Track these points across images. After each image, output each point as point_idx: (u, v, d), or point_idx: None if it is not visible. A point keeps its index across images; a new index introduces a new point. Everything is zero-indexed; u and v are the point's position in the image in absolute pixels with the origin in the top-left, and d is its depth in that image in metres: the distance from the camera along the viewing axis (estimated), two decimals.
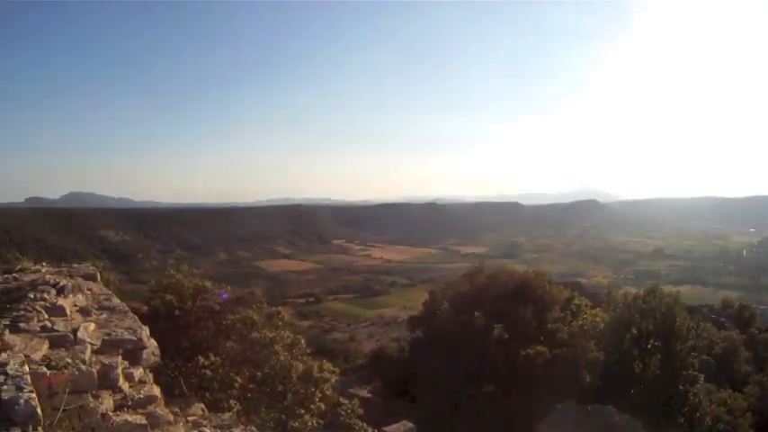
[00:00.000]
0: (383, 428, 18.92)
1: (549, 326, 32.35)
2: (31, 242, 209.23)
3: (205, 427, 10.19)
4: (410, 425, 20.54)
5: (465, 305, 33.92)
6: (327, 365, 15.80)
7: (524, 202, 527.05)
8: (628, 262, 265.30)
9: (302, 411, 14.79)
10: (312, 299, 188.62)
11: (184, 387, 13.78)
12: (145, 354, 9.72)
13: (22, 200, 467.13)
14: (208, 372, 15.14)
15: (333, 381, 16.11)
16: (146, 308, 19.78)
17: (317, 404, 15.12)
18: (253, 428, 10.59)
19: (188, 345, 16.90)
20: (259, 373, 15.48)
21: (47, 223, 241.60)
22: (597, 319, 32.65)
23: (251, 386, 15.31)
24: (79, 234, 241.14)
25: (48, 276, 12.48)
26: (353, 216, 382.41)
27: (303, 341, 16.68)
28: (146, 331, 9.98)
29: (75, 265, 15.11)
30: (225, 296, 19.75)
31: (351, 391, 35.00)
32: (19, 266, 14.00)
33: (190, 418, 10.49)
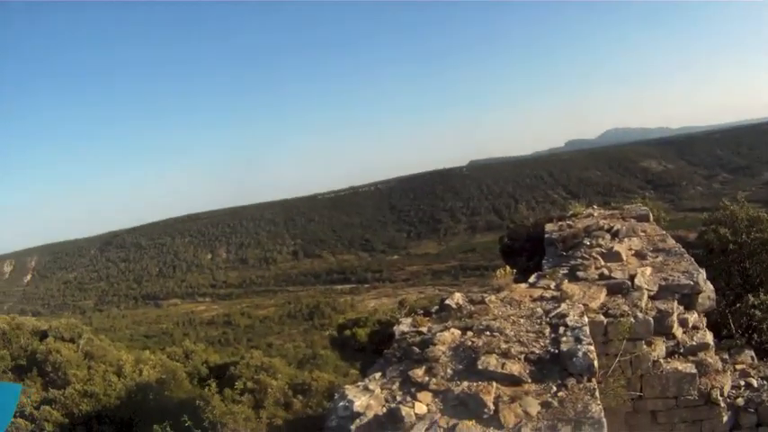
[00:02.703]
0: None
1: None
2: (576, 181, 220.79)
3: (752, 377, 9.68)
4: None
5: None
6: None
7: None
8: None
9: None
10: None
11: (733, 327, 13.75)
12: (700, 298, 9.34)
13: (562, 144, 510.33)
14: (757, 312, 14.60)
15: None
16: (692, 236, 19.76)
17: None
18: None
19: (740, 281, 16.44)
20: None
21: (589, 162, 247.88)
22: None
23: None
24: (622, 168, 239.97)
25: (601, 221, 12.63)
26: None
27: None
28: (702, 274, 9.53)
29: (626, 207, 15.05)
30: None
31: None
32: (571, 212, 14.62)
33: (738, 366, 10.14)
